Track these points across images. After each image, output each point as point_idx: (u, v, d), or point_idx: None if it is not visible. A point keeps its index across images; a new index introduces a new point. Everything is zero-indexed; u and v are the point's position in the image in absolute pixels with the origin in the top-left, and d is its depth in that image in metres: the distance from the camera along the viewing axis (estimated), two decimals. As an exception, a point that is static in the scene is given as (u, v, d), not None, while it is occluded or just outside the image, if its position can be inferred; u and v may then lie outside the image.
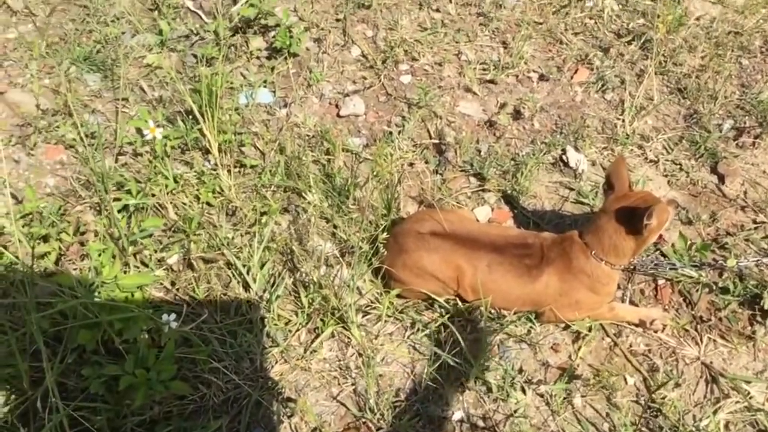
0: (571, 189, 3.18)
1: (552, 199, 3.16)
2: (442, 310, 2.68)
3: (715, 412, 2.41)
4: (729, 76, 3.66)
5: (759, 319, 2.69)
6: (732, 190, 3.18)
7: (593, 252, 2.48)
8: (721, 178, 3.22)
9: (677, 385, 2.51)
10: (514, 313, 2.65)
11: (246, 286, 2.71)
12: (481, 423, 2.42)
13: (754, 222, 3.05)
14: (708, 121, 3.42)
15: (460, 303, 2.65)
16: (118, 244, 2.63)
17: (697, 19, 4.03)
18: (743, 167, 3.26)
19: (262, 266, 2.76)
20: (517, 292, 2.56)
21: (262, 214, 2.94)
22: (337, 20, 3.95)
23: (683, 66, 3.70)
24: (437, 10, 4.06)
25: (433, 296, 2.63)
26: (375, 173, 2.92)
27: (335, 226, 2.96)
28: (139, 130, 3.04)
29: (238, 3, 3.81)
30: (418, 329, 2.65)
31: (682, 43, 3.82)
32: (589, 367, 2.58)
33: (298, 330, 2.64)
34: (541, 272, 2.51)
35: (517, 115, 3.47)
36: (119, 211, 2.85)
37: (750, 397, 2.46)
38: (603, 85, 3.61)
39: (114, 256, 2.58)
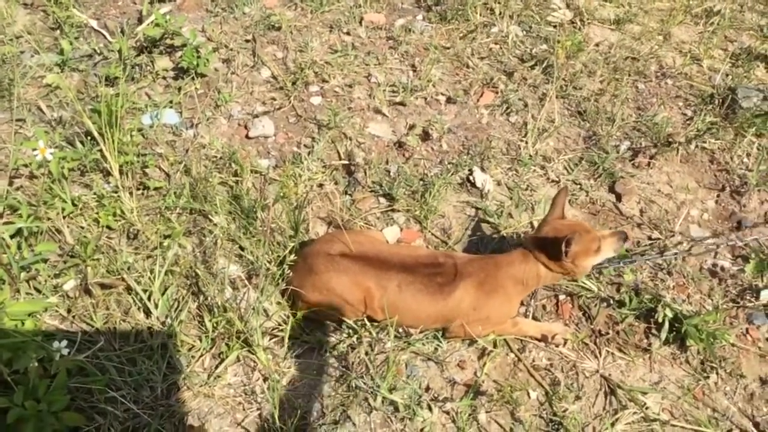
0: (478, 208, 3.25)
1: (459, 218, 3.22)
2: (350, 330, 2.67)
3: (613, 424, 2.49)
4: (626, 100, 3.85)
5: (654, 331, 2.80)
6: (629, 208, 3.32)
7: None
8: (619, 197, 3.36)
9: (578, 398, 2.58)
10: (421, 332, 2.68)
11: (147, 312, 2.63)
12: (388, 443, 2.42)
13: (650, 238, 3.19)
14: (606, 142, 3.57)
15: (368, 323, 2.65)
16: (8, 270, 2.51)
17: (597, 45, 4.22)
18: (639, 186, 3.41)
19: (164, 291, 2.69)
20: (429, 310, 2.58)
21: (166, 237, 2.87)
22: (247, 41, 3.94)
23: (583, 90, 3.87)
24: (348, 33, 4.10)
25: (341, 317, 2.62)
26: (282, 194, 2.90)
27: (242, 248, 2.92)
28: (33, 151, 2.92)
29: (144, 22, 3.74)
30: (325, 351, 2.63)
31: (582, 68, 3.99)
32: (494, 382, 2.62)
33: (201, 355, 2.57)
34: (455, 288, 2.54)
35: (425, 136, 3.53)
36: (12, 236, 2.71)
37: (646, 408, 2.55)
38: (507, 108, 3.72)
39: (3, 282, 2.45)
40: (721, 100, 3.79)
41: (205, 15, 4.17)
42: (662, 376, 2.68)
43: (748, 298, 2.93)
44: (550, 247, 2.53)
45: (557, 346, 2.73)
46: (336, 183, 3.28)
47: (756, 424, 2.56)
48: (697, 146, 3.58)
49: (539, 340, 2.74)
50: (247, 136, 3.45)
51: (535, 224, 3.17)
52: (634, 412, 2.53)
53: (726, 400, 2.62)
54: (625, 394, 2.59)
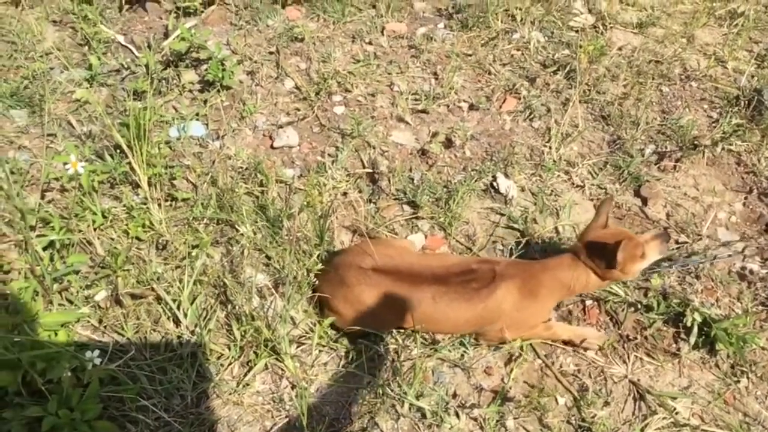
0: (502, 214, 3.25)
1: (484, 224, 3.22)
2: (377, 338, 2.68)
3: (642, 429, 2.47)
4: (650, 103, 3.83)
5: (683, 336, 2.78)
6: (655, 212, 3.29)
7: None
8: (644, 201, 3.34)
9: (606, 403, 2.56)
10: (456, 336, 2.69)
11: (176, 321, 2.67)
12: (415, 450, 2.42)
13: (677, 242, 3.16)
14: (631, 146, 3.55)
15: (394, 331, 2.66)
16: (41, 282, 2.57)
17: (620, 49, 4.20)
18: (665, 190, 3.39)
19: (193, 300, 2.73)
20: (467, 315, 2.57)
21: (194, 247, 2.91)
22: (270, 53, 3.99)
23: (606, 94, 3.85)
24: (370, 43, 4.13)
25: (371, 330, 2.64)
26: (307, 203, 2.93)
27: (268, 257, 2.95)
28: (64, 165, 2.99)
29: (169, 37, 3.81)
30: (352, 359, 2.65)
31: (605, 72, 3.98)
32: (521, 389, 2.61)
33: (230, 364, 2.60)
34: (494, 289, 2.54)
35: (448, 143, 3.54)
36: (44, 249, 2.78)
37: (676, 413, 2.53)
38: (530, 114, 3.72)
39: (37, 293, 2.51)
40: (746, 102, 3.75)
41: (229, 28, 4.24)
42: (692, 380, 2.65)
43: (777, 298, 2.89)
44: (601, 254, 2.51)
45: (586, 350, 2.72)
46: (360, 191, 3.30)
47: (789, 429, 2.53)
48: (723, 149, 3.54)
49: (571, 345, 2.73)
50: (272, 147, 3.49)
51: (560, 229, 3.17)
52: (664, 417, 2.51)
53: (757, 405, 2.59)
54: (654, 399, 2.58)
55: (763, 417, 2.56)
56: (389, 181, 3.33)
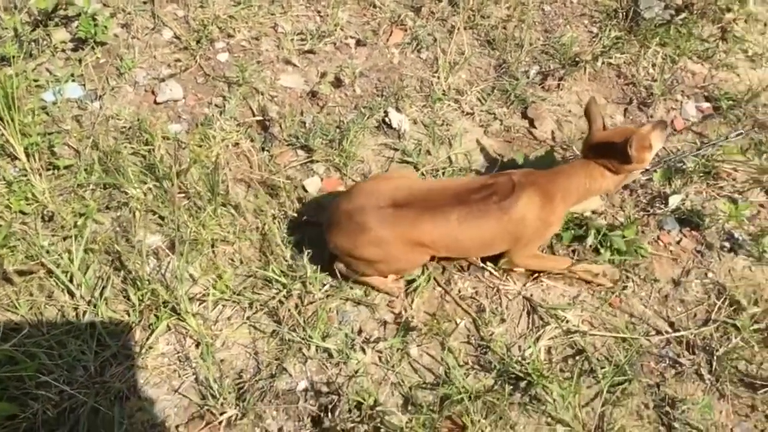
0: (396, 149, 3.28)
1: (379, 161, 3.25)
2: (279, 285, 2.71)
3: (536, 341, 2.62)
4: (533, 24, 3.87)
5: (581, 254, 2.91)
6: (542, 132, 3.39)
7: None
8: (531, 122, 3.43)
9: (502, 320, 2.69)
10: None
11: (71, 293, 2.61)
12: (325, 388, 2.50)
13: (563, 158, 3.28)
14: (516, 69, 3.61)
15: (298, 277, 2.70)
16: None
17: (502, -30, 4.20)
18: (550, 109, 3.48)
19: (86, 270, 2.67)
20: (495, 231, 2.58)
21: (81, 215, 2.83)
22: (145, 2, 3.80)
23: (491, 18, 3.87)
24: (249, -17, 3.99)
25: (400, 271, 2.68)
26: (193, 159, 2.88)
27: (161, 218, 2.90)
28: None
29: (33, -5, 3.58)
30: (256, 309, 2.67)
31: (489, -4, 3.99)
32: (423, 317, 2.71)
33: (131, 329, 2.59)
34: (517, 199, 2.54)
35: (338, 83, 3.51)
36: None
37: (566, 322, 2.68)
38: (418, 45, 3.72)
39: None
40: (624, 14, 3.85)
41: (98, -21, 4.00)
42: (580, 290, 2.81)
43: (657, 205, 3.06)
44: (613, 153, 2.57)
45: (598, 286, 2.82)
46: (252, 140, 3.26)
47: (671, 324, 2.72)
48: (603, 63, 3.65)
49: (585, 281, 2.83)
50: (155, 102, 3.38)
51: (453, 158, 3.23)
52: (556, 327, 2.66)
53: (642, 305, 2.77)
54: (546, 311, 2.72)
55: (648, 316, 2.74)
56: (281, 127, 3.29)
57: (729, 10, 3.89)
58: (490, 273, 2.83)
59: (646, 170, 2.98)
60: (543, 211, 2.59)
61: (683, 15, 3.77)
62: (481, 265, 2.83)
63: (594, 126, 2.69)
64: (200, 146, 3.18)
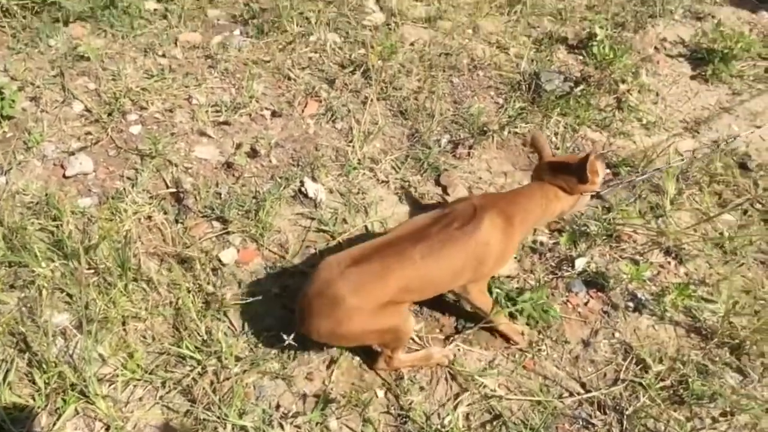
0: (312, 219, 3.30)
1: (295, 231, 3.26)
2: (193, 362, 2.65)
3: (455, 407, 2.64)
4: (443, 95, 4.04)
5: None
6: (455, 198, 3.50)
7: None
8: (444, 189, 3.53)
9: (422, 388, 2.71)
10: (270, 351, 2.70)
11: (-30, 380, 2.47)
12: (242, 469, 2.43)
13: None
14: (428, 138, 3.74)
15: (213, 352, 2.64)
16: None
17: (412, 44, 4.39)
18: (462, 176, 3.60)
19: (-14, 354, 2.54)
20: (462, 257, 2.54)
21: (-18, 296, 2.71)
22: (55, 76, 3.76)
23: (402, 89, 4.02)
24: (163, 56, 4.01)
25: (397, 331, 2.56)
26: (103, 235, 2.82)
27: (69, 296, 2.81)
28: None
29: (-67, 67, 3.48)
30: (169, 389, 2.59)
31: (400, 68, 4.14)
32: (342, 388, 2.69)
33: (37, 414, 2.46)
34: (480, 222, 2.54)
35: (253, 153, 3.53)
36: None
37: (484, 387, 2.72)
38: (332, 116, 3.80)
39: None
40: (527, 86, 4.07)
41: (6, 53, 3.93)
42: (496, 354, 2.87)
43: (565, 268, 3.19)
44: (569, 172, 2.67)
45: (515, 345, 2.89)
46: (165, 213, 3.22)
47: (583, 384, 2.80)
48: (509, 132, 3.83)
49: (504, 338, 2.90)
50: (64, 176, 3.31)
51: (369, 227, 3.28)
52: (474, 393, 2.70)
53: (554, 367, 2.85)
54: (464, 378, 2.76)
55: (561, 377, 2.82)
56: (195, 198, 3.27)
57: (623, 81, 4.17)
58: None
59: (594, 196, 3.02)
60: (504, 234, 2.62)
61: (581, 87, 4.02)
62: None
63: (544, 153, 2.83)
64: (111, 220, 3.12)
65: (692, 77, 4.38)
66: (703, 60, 4.44)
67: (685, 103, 4.16)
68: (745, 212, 3.49)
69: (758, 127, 4.04)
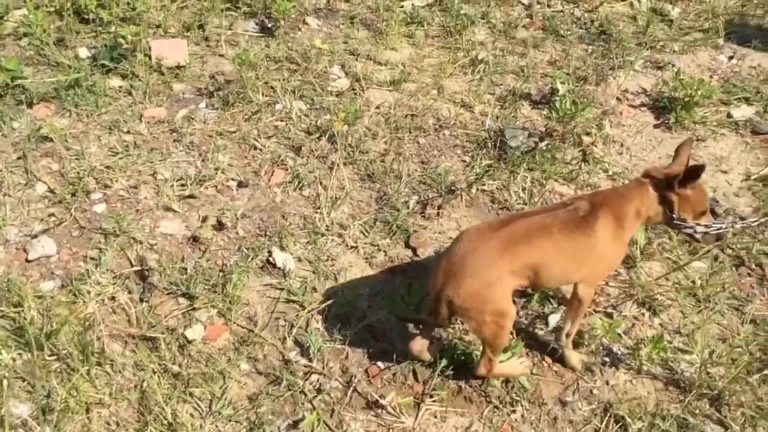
0: (281, 289, 3.26)
1: (264, 302, 3.21)
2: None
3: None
4: (410, 156, 4.05)
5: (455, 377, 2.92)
6: (425, 260, 3.47)
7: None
8: (414, 251, 3.51)
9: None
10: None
11: None
12: None
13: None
14: (396, 200, 3.73)
15: None
16: None
17: (377, 107, 4.43)
18: (432, 237, 3.58)
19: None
20: (583, 248, 2.64)
21: (-63, 391, 2.62)
22: (18, 158, 3.74)
23: (369, 153, 4.03)
24: (128, 132, 4.02)
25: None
26: (63, 321, 2.75)
27: (31, 384, 2.72)
28: None
29: None
30: (133, 477, 2.50)
31: (366, 132, 4.16)
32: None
33: None
34: (596, 218, 2.63)
35: (220, 226, 3.50)
36: None
37: (461, 455, 2.65)
38: (299, 183, 3.80)
39: None
40: (493, 143, 4.10)
41: (-32, 137, 3.93)
42: (472, 419, 2.79)
43: (539, 326, 3.15)
44: (683, 173, 2.62)
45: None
46: (130, 292, 3.16)
47: (562, 447, 2.73)
48: (477, 189, 3.83)
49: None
50: (26, 260, 3.25)
51: (340, 293, 3.23)
52: (451, 464, 2.62)
53: (532, 431, 2.78)
54: (440, 448, 2.68)
55: (539, 440, 2.75)
56: (161, 275, 3.22)
57: (587, 134, 4.22)
58: (385, 411, 2.78)
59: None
60: (614, 233, 2.68)
61: (546, 141, 4.06)
62: (381, 401, 2.77)
63: (679, 159, 2.77)
64: (74, 303, 3.06)
65: (656, 126, 4.43)
66: (665, 108, 4.50)
67: (650, 152, 4.19)
68: (716, 258, 3.48)
69: (724, 172, 4.08)
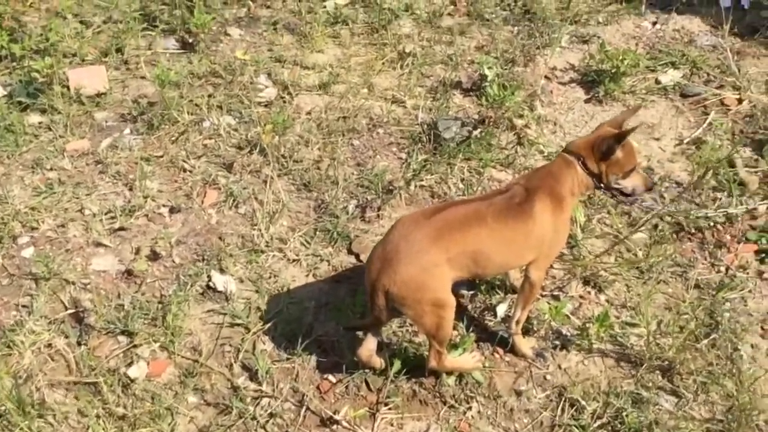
0: (224, 314, 3.17)
1: (208, 330, 3.13)
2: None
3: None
4: (345, 160, 3.99)
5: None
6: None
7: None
8: (357, 257, 3.45)
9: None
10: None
11: None
12: None
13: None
14: (335, 206, 3.66)
15: None
16: None
17: (308, 113, 4.35)
18: (373, 240, 3.53)
19: None
20: (520, 237, 2.65)
21: None
22: (-63, 213, 3.59)
23: (303, 162, 3.95)
24: (51, 169, 3.88)
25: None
26: (-5, 377, 2.65)
27: (-35, 451, 2.61)
28: None
29: None
30: None
31: (299, 140, 4.09)
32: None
33: None
34: (533, 203, 2.63)
35: (154, 256, 3.40)
36: None
37: (420, 461, 2.61)
38: (234, 201, 3.71)
39: None
40: (428, 137, 4.06)
41: None
42: (429, 422, 2.76)
43: (488, 317, 3.12)
44: (601, 144, 2.64)
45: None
46: (66, 336, 3.05)
47: (521, 438, 2.72)
48: (416, 186, 3.79)
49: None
50: (-48, 319, 3.12)
51: (285, 309, 3.17)
52: (410, 471, 2.58)
53: (489, 425, 2.75)
54: (399, 457, 2.64)
55: (498, 435, 2.73)
56: (97, 315, 3.11)
57: (520, 116, 4.21)
58: (341, 426, 2.73)
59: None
60: (553, 217, 2.68)
61: (480, 129, 4.03)
62: (336, 417, 2.72)
63: (611, 123, 2.83)
64: (9, 355, 2.94)
65: (586, 101, 4.44)
66: (594, 82, 4.52)
67: (583, 128, 4.20)
68: (655, 227, 3.50)
69: (657, 139, 4.11)
